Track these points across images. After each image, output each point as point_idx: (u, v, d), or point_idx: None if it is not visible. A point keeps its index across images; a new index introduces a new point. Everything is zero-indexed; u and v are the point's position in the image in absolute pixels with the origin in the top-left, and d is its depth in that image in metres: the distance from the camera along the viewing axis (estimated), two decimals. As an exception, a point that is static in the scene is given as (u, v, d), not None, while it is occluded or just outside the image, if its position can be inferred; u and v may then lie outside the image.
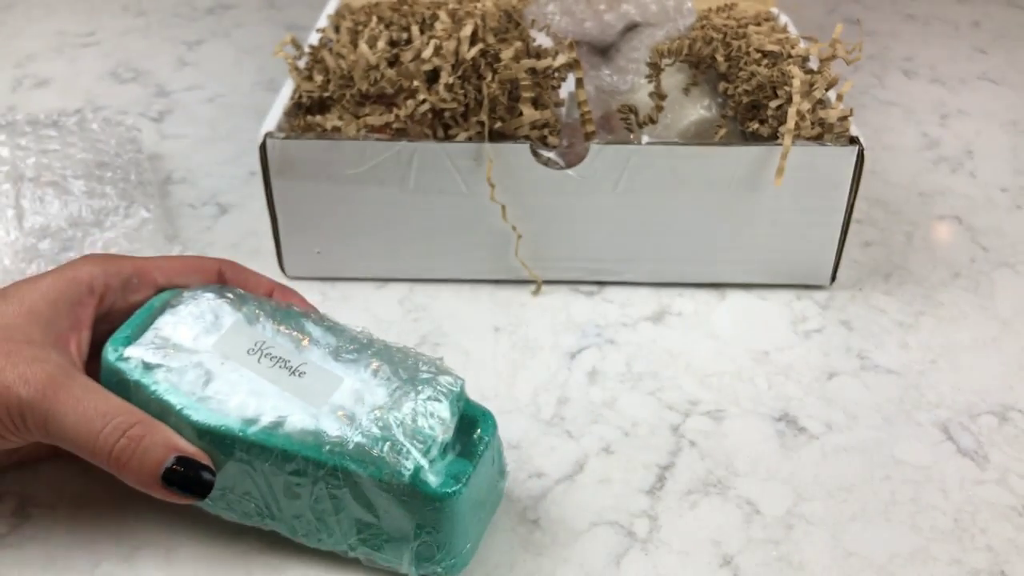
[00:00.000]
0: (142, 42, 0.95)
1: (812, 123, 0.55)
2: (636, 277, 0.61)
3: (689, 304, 0.60)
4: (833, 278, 0.61)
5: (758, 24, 0.66)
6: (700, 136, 0.61)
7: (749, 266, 0.60)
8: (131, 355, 0.41)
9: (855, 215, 0.59)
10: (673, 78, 0.62)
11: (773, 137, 0.56)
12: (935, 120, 0.82)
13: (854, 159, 0.55)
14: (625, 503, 0.47)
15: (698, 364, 0.55)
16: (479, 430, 0.41)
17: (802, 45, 0.62)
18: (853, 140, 0.55)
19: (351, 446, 0.38)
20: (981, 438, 0.50)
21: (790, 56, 0.60)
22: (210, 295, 0.44)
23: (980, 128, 0.81)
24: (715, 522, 0.46)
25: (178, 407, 0.39)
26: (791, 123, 0.54)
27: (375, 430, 0.39)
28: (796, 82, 0.55)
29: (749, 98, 0.58)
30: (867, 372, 0.55)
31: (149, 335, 0.42)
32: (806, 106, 0.55)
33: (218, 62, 0.91)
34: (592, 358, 0.56)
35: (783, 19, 0.70)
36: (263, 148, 0.56)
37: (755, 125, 0.57)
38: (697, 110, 0.61)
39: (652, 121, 0.58)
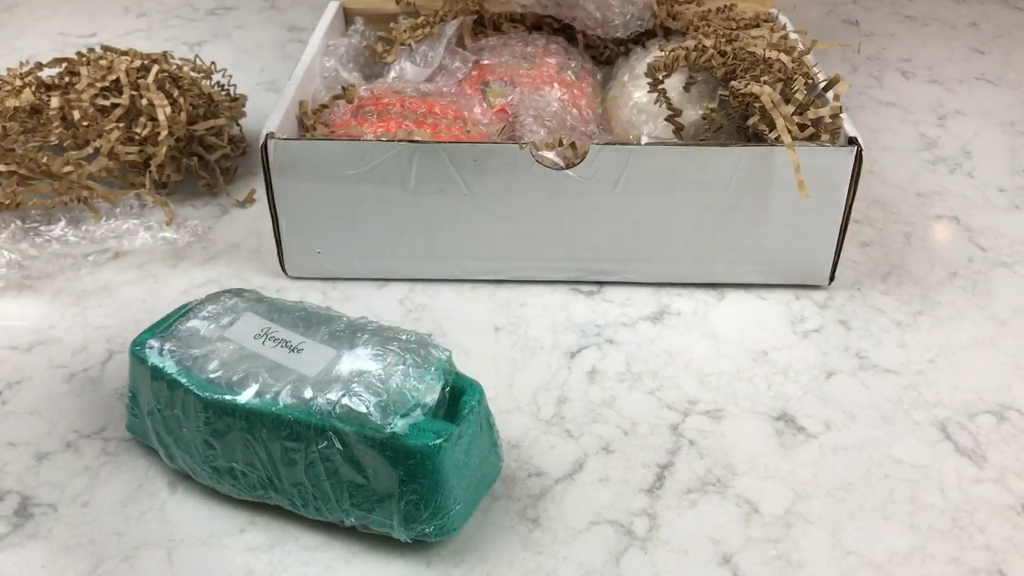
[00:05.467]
0: (144, 43, 0.95)
1: (801, 126, 0.55)
2: (635, 277, 0.61)
3: (688, 304, 0.60)
4: (831, 278, 0.61)
5: (756, 26, 0.66)
6: (700, 136, 0.61)
7: (748, 266, 0.60)
8: (151, 344, 0.46)
9: (853, 215, 0.59)
10: (672, 79, 0.62)
11: (771, 128, 0.56)
12: (933, 120, 0.82)
13: (852, 160, 0.55)
14: (624, 502, 0.47)
15: (697, 364, 0.55)
16: (466, 396, 0.44)
17: (800, 47, 0.62)
18: (851, 141, 0.56)
19: (338, 408, 0.41)
20: (979, 437, 0.51)
21: (761, 64, 0.59)
22: (227, 297, 0.48)
23: (978, 128, 0.81)
24: (714, 521, 0.46)
25: (187, 384, 0.44)
26: (786, 138, 0.54)
27: (363, 393, 0.41)
28: (765, 98, 0.55)
29: (743, 99, 0.58)
30: (865, 371, 0.55)
31: (169, 331, 0.47)
32: (789, 110, 0.55)
33: (219, 63, 0.91)
34: (592, 358, 0.56)
35: (782, 20, 0.70)
36: (264, 148, 0.56)
37: (754, 119, 0.57)
38: (696, 110, 0.61)
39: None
